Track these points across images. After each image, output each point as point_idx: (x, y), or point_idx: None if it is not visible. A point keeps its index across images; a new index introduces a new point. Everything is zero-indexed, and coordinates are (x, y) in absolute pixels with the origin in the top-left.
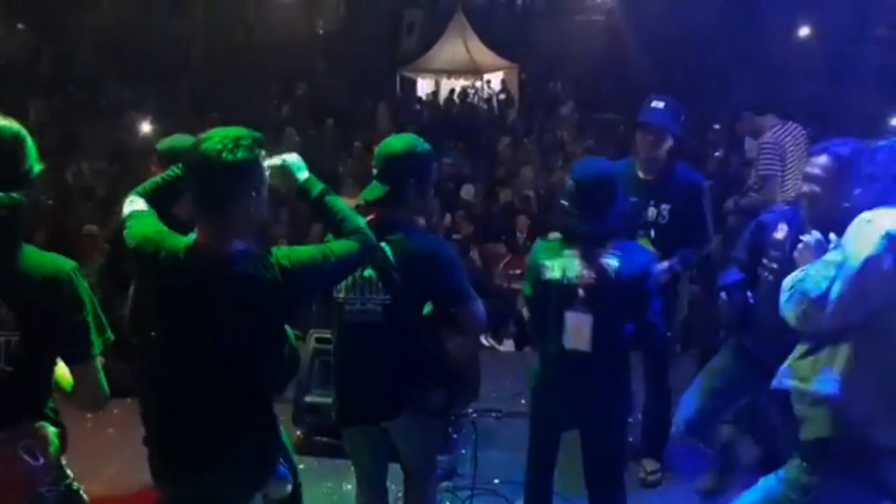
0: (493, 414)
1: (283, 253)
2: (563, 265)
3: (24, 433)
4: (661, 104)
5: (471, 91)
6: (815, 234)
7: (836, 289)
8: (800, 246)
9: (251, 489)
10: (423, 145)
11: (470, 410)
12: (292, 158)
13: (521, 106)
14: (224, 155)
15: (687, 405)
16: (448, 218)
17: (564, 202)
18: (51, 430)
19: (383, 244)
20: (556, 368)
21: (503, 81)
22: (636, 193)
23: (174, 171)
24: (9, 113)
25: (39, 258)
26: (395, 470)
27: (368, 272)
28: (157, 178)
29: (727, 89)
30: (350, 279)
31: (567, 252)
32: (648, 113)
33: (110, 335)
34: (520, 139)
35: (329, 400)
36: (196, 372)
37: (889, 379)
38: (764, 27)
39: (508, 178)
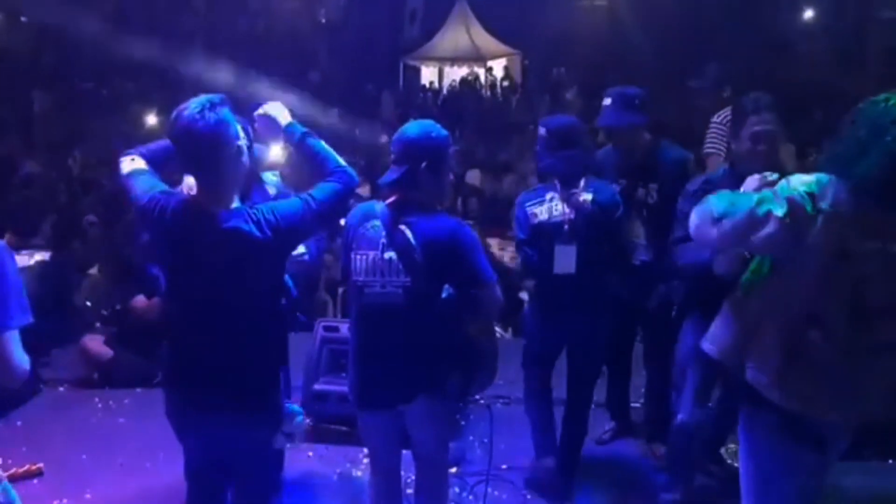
0: (501, 400)
1: (269, 209)
2: (548, 208)
3: None
4: (608, 101)
5: (472, 78)
6: (774, 175)
7: (729, 219)
8: (756, 176)
9: (265, 428)
10: (438, 131)
11: (477, 397)
12: (272, 106)
13: (524, 92)
14: (206, 115)
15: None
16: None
17: (538, 150)
18: None
19: (403, 226)
20: (548, 293)
21: (506, 68)
22: (624, 176)
23: None
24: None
25: None
26: (406, 457)
27: (389, 254)
28: (164, 141)
29: (730, 72)
30: (370, 262)
31: (549, 195)
32: (601, 115)
33: (29, 318)
34: (524, 126)
35: (338, 388)
36: (201, 320)
37: (760, 328)
38: (767, 10)
39: (512, 164)
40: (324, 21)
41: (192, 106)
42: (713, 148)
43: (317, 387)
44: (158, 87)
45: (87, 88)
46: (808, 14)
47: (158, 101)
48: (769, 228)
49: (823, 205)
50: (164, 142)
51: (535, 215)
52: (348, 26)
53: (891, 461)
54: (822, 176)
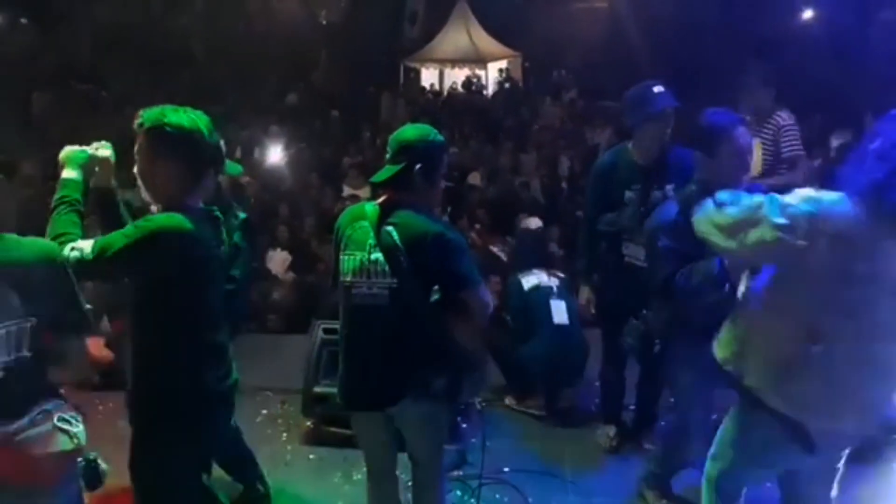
0: (497, 402)
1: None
2: (537, 277)
3: (59, 408)
4: (661, 87)
5: (474, 80)
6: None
7: (734, 207)
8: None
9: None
10: (436, 135)
11: (477, 399)
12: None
13: (525, 94)
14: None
15: None
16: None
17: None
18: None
19: (390, 227)
20: (549, 340)
21: (507, 70)
22: (638, 180)
23: (71, 210)
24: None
25: (24, 243)
26: (405, 458)
27: (376, 255)
28: (70, 220)
29: (729, 74)
30: (358, 262)
31: (535, 272)
32: (661, 100)
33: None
34: (525, 127)
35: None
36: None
37: (760, 338)
38: (767, 11)
39: (514, 166)
40: (324, 23)
41: (203, 119)
42: (797, 149)
43: (317, 389)
44: (157, 88)
45: (85, 90)
46: (808, 14)
47: (156, 103)
48: (763, 233)
49: (826, 227)
50: (70, 213)
51: (528, 282)
52: (348, 28)
53: None
54: (829, 195)
